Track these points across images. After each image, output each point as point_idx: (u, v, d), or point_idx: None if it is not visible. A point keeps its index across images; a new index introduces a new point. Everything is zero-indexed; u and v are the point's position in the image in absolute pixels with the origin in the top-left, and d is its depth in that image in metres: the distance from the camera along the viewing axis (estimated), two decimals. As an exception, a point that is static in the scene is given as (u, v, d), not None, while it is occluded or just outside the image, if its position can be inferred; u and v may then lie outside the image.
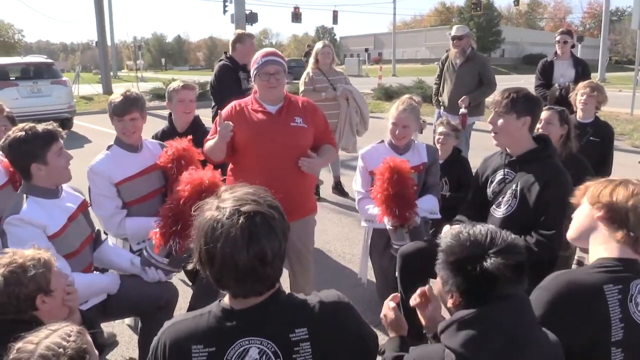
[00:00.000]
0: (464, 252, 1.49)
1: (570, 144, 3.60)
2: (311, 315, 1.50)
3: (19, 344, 1.40)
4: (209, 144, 3.12)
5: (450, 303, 1.55)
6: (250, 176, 2.97)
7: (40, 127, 2.46)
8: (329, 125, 3.34)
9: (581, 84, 4.57)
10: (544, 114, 3.65)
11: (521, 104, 2.68)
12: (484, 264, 1.44)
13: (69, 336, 1.43)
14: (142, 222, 3.02)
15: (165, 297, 2.75)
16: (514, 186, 2.71)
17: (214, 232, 1.38)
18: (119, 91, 3.17)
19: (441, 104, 6.57)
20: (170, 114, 3.93)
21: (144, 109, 3.17)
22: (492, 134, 2.79)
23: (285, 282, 3.10)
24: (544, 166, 2.66)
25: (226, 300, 1.52)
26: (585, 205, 1.82)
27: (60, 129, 2.55)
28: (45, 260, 1.87)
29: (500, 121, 2.71)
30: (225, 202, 1.43)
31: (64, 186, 2.64)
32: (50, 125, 2.50)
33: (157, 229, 2.75)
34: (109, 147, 3.11)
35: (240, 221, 1.37)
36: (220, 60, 5.47)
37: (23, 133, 2.41)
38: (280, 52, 3.18)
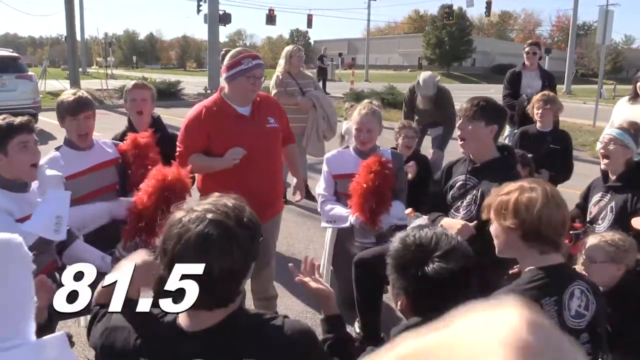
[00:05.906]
0: (408, 256, 1.52)
1: None
2: (265, 346, 1.39)
3: None
4: (202, 162, 3.05)
5: (399, 305, 1.58)
6: (226, 179, 2.96)
7: (11, 118, 2.48)
8: (288, 120, 3.47)
9: (535, 98, 4.67)
10: None
11: (490, 112, 2.71)
12: (426, 268, 1.46)
13: None
14: (85, 209, 2.92)
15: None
16: (474, 192, 2.73)
17: (171, 229, 1.35)
18: (69, 91, 3.12)
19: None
20: (129, 116, 3.88)
21: (94, 111, 3.10)
22: (460, 142, 2.78)
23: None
24: (505, 176, 2.66)
25: (180, 319, 1.42)
26: (495, 222, 1.84)
27: (32, 124, 2.54)
28: None
29: (469, 126, 2.71)
30: (201, 205, 1.39)
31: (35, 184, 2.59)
32: (25, 118, 2.53)
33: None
34: (57, 149, 2.99)
35: (198, 227, 1.32)
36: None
37: None
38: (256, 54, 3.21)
